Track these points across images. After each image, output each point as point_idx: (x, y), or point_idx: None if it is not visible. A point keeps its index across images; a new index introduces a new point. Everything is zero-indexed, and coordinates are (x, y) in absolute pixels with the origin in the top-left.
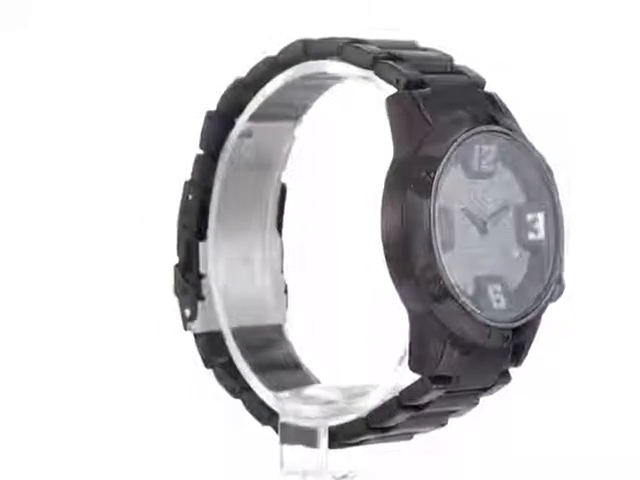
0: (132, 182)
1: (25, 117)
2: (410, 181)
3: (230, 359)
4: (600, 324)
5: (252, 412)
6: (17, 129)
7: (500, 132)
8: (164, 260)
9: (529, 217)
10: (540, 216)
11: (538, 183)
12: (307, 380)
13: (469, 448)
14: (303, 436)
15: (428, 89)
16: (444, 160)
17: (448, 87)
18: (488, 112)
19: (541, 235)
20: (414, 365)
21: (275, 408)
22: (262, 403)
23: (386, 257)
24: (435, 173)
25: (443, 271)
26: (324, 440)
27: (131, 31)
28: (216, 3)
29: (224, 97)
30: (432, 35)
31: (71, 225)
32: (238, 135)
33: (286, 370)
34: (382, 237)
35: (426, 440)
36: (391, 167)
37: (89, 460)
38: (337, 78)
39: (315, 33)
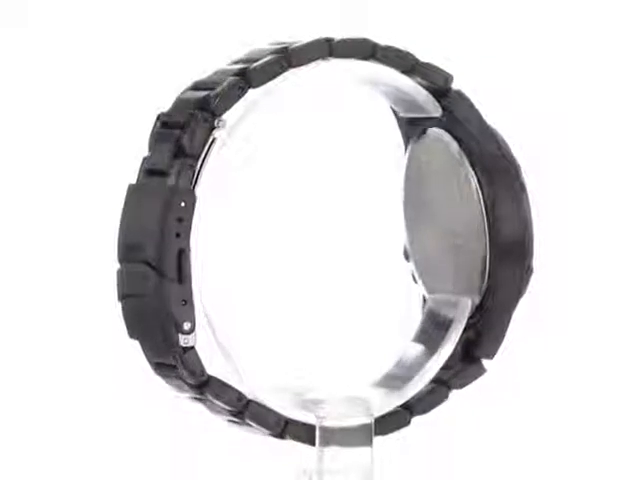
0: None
1: None
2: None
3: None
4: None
5: (260, 423)
6: None
7: None
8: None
9: None
10: None
11: None
12: None
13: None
14: (348, 436)
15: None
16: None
17: None
18: None
19: None
20: (487, 351)
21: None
22: (272, 412)
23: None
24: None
25: None
26: (372, 436)
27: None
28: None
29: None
30: None
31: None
32: None
33: None
34: (507, 229)
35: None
36: (492, 162)
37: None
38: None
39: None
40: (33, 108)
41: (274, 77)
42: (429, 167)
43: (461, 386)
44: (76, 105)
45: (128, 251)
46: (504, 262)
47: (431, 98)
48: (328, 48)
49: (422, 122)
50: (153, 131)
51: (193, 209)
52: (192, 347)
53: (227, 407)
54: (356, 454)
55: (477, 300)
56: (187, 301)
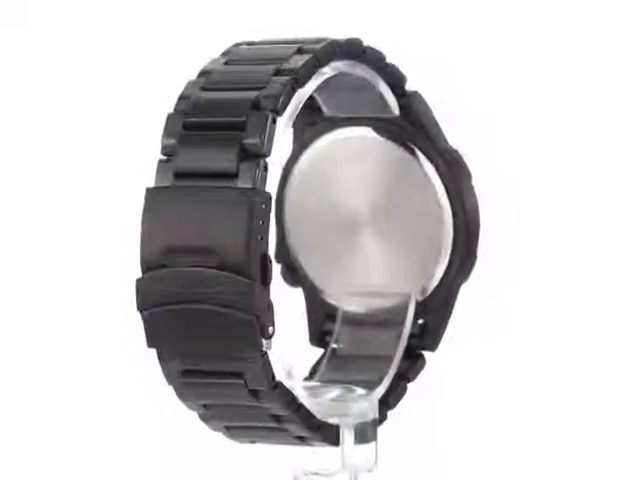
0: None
1: None
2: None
3: None
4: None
5: (304, 426)
6: None
7: None
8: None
9: None
10: None
11: None
12: None
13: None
14: (365, 432)
15: None
16: None
17: None
18: None
19: None
20: (431, 344)
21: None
22: (312, 414)
23: (473, 237)
24: None
25: None
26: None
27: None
28: None
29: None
30: None
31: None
32: None
33: None
34: (470, 218)
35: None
36: (452, 156)
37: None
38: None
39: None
40: (33, 108)
41: (310, 77)
42: (354, 167)
43: (411, 380)
44: (76, 105)
45: (186, 255)
46: (460, 253)
47: (394, 98)
48: (338, 48)
49: (364, 122)
50: (178, 131)
51: (270, 211)
52: (266, 352)
53: (282, 412)
54: (370, 449)
55: (420, 297)
56: (269, 305)
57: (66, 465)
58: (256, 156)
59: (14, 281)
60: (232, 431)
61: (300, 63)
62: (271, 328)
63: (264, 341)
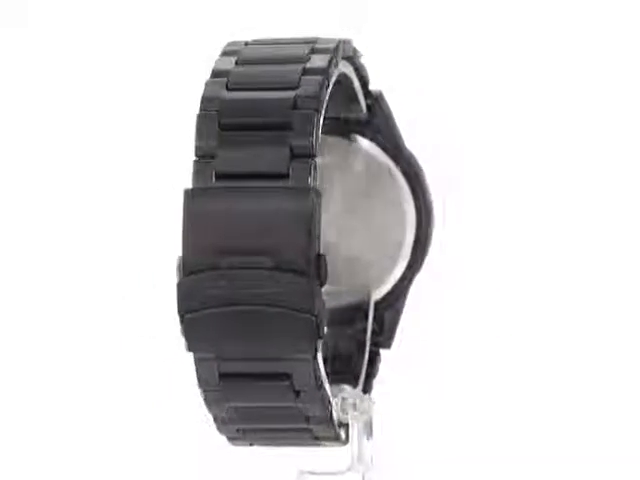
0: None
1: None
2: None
3: None
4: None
5: (328, 427)
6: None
7: None
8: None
9: None
10: None
11: None
12: None
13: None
14: (368, 430)
15: None
16: None
17: None
18: None
19: None
20: (386, 341)
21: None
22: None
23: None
24: None
25: None
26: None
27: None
28: None
29: None
30: None
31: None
32: None
33: None
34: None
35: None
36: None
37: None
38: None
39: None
40: (33, 109)
41: (332, 77)
42: None
43: (372, 377)
44: (75, 105)
45: (237, 256)
46: (419, 251)
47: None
48: (342, 48)
49: None
50: (214, 132)
51: (321, 211)
52: (317, 352)
53: (318, 412)
54: (369, 446)
55: (379, 295)
56: (324, 304)
57: (69, 465)
58: (306, 156)
59: (45, 283)
60: (246, 434)
61: (325, 63)
62: (325, 328)
63: (319, 341)
